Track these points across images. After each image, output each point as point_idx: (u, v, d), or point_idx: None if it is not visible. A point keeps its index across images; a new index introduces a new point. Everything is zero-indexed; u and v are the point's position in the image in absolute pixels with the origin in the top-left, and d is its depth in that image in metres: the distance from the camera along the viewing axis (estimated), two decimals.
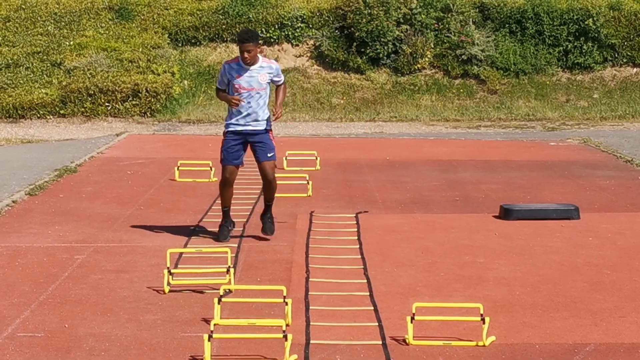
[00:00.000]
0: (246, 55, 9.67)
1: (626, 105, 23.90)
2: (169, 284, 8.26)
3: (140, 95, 22.65)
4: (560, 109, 23.70)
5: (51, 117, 22.54)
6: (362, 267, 9.06)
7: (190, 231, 10.49)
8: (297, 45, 25.63)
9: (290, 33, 25.53)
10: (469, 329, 7.17)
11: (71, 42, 24.75)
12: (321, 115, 23.09)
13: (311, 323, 7.38)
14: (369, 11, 24.77)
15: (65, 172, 14.21)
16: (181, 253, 9.28)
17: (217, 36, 25.52)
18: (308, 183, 12.79)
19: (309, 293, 8.16)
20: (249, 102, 9.81)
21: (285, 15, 25.44)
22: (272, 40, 25.46)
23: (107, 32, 25.34)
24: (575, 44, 25.37)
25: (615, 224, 11.01)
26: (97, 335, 7.13)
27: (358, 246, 9.87)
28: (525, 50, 25.29)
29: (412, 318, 6.99)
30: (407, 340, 6.97)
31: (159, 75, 23.35)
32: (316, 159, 14.96)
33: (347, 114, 23.21)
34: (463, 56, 24.91)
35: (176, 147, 17.44)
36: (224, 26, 25.38)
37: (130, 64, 23.74)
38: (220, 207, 10.20)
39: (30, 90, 22.98)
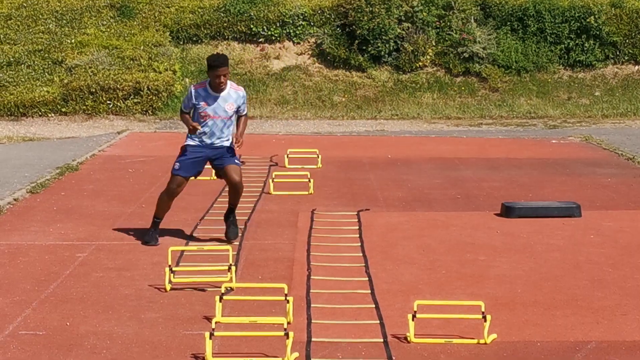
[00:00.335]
0: (222, 79, 9.45)
1: (628, 102, 23.87)
2: (170, 282, 8.26)
3: (141, 93, 22.65)
4: (561, 107, 23.68)
5: (53, 115, 22.54)
6: (364, 264, 9.06)
7: (192, 229, 10.50)
8: (299, 43, 25.61)
9: (291, 31, 25.51)
10: (471, 327, 7.17)
11: (72, 40, 24.74)
12: (322, 113, 23.08)
13: (312, 321, 7.38)
14: (371, 9, 24.74)
15: (67, 170, 14.20)
16: (183, 251, 9.28)
17: (218, 34, 25.49)
18: (309, 181, 12.79)
19: (311, 291, 8.16)
20: (212, 129, 9.62)
21: (287, 13, 25.42)
22: (273, 38, 25.45)
23: (108, 30, 25.33)
24: (576, 41, 25.34)
25: (617, 221, 11.01)
26: (99, 333, 7.13)
27: (359, 244, 9.87)
28: (526, 48, 25.26)
29: (414, 316, 6.99)
30: (408, 338, 6.97)
31: (160, 73, 23.34)
32: (318, 157, 14.95)
33: (348, 112, 23.19)
34: (464, 54, 24.87)
35: (178, 145, 17.16)
36: (225, 24, 25.36)
37: (131, 62, 23.74)
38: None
39: (32, 88, 22.97)
